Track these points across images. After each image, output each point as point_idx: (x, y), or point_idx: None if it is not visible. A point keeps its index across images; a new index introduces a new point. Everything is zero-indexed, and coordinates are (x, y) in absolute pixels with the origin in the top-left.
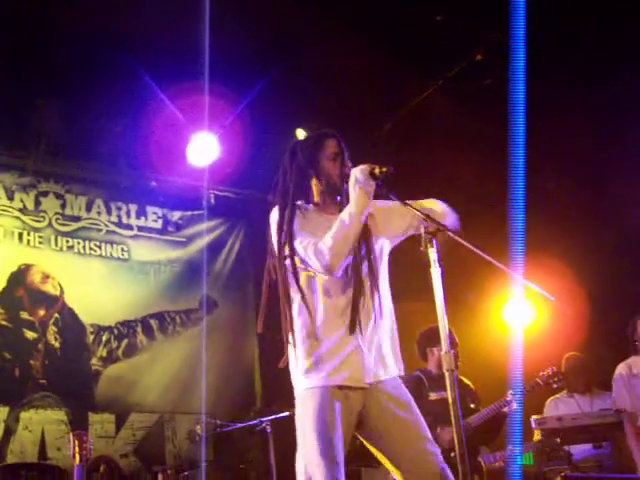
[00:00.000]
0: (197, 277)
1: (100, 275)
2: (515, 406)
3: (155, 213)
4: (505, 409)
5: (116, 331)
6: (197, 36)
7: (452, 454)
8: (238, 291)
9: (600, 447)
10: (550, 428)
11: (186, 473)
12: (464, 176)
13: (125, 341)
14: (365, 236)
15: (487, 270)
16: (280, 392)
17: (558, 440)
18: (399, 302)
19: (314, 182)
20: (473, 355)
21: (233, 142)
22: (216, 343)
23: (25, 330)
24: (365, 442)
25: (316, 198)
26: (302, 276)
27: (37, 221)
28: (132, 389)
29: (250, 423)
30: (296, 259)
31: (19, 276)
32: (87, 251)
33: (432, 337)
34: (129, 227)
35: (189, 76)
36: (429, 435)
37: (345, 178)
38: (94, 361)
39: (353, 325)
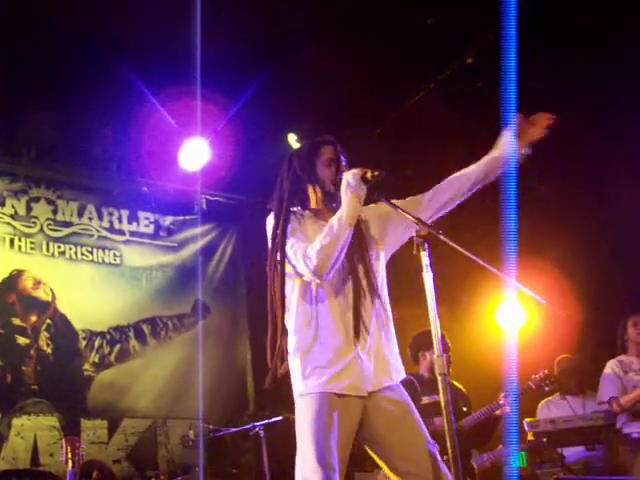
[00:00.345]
0: (189, 282)
1: (92, 280)
2: (508, 409)
3: (147, 218)
4: (498, 412)
5: (108, 336)
6: (189, 41)
7: (445, 457)
8: (230, 296)
9: (593, 449)
10: (543, 431)
11: (180, 478)
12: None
13: (117, 346)
14: (361, 242)
15: (480, 272)
16: (273, 396)
17: (545, 440)
18: (392, 306)
19: (310, 189)
20: (466, 358)
21: (225, 147)
22: (208, 348)
23: (17, 336)
24: (366, 446)
25: (312, 204)
26: (297, 282)
27: (28, 227)
28: (125, 394)
29: (243, 428)
30: (287, 265)
31: (11, 282)
32: (79, 257)
33: (424, 341)
34: (121, 232)
35: (180, 81)
36: (428, 437)
37: (339, 184)
38: (86, 367)
39: (356, 333)
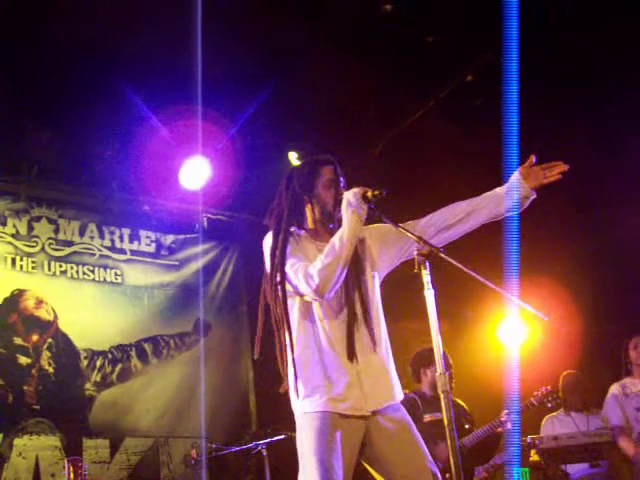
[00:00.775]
0: (190, 300)
1: (94, 300)
2: (510, 426)
3: (148, 237)
4: (500, 429)
5: (110, 356)
6: (189, 59)
7: (447, 475)
8: (231, 314)
9: (597, 466)
10: (546, 448)
11: None
12: (458, 194)
13: (119, 366)
14: (356, 263)
15: (482, 289)
16: (275, 415)
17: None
18: (394, 321)
19: (309, 208)
20: (468, 374)
21: (225, 165)
22: (210, 366)
23: (19, 356)
24: (367, 465)
25: (310, 225)
26: (297, 302)
27: (30, 246)
28: (126, 414)
29: (245, 446)
30: (287, 285)
31: (12, 301)
32: (80, 276)
33: (426, 358)
34: (122, 251)
35: (181, 100)
36: (429, 456)
37: (338, 204)
38: (88, 386)
39: (350, 353)
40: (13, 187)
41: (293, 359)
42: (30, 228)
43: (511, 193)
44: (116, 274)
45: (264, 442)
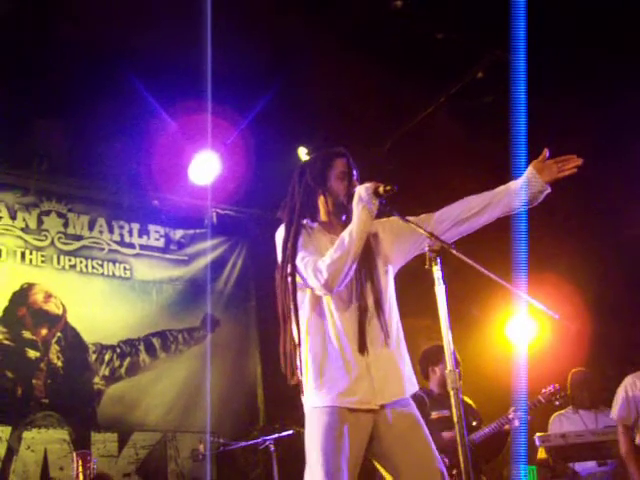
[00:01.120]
0: (199, 295)
1: (102, 294)
2: (517, 423)
3: (157, 232)
4: (507, 426)
5: (119, 350)
6: (199, 55)
7: (454, 471)
8: (240, 309)
9: (604, 464)
10: (554, 445)
11: None
12: (466, 193)
13: (127, 360)
14: (369, 256)
15: (491, 286)
16: (283, 410)
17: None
18: (404, 319)
19: (321, 200)
20: (476, 371)
21: (235, 160)
22: (218, 361)
23: (27, 349)
24: (374, 461)
25: (322, 217)
26: (308, 294)
27: (39, 240)
28: (135, 408)
29: (253, 442)
30: (298, 277)
31: (22, 295)
32: (89, 270)
33: (434, 356)
34: (131, 246)
35: (191, 95)
36: (436, 453)
37: (351, 197)
38: (96, 380)
39: (361, 346)
40: (23, 181)
41: (300, 352)
42: (40, 222)
43: (526, 187)
44: (125, 268)
45: (272, 437)
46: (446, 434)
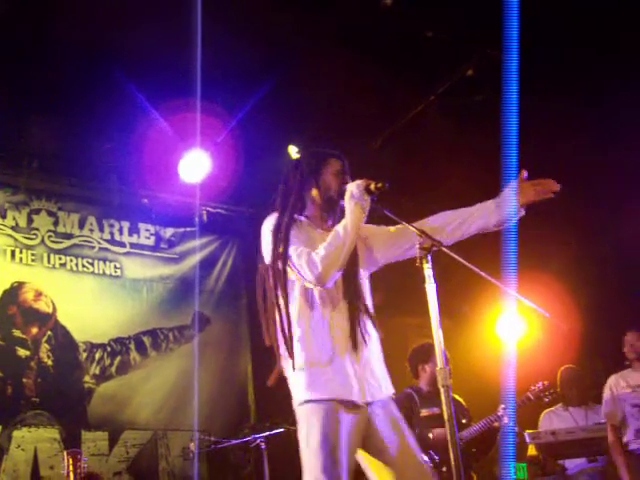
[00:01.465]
0: (190, 294)
1: (93, 292)
2: (506, 420)
3: (147, 230)
4: (497, 424)
5: (109, 348)
6: (189, 53)
7: (444, 469)
8: (230, 307)
9: (595, 461)
10: (544, 442)
11: None
12: (457, 190)
13: (118, 358)
14: (355, 255)
15: (481, 284)
16: (274, 408)
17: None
18: (394, 317)
19: (314, 192)
20: (466, 369)
21: (225, 159)
22: (209, 359)
23: (18, 348)
24: (369, 455)
25: (311, 211)
26: (297, 286)
27: (30, 239)
28: (125, 406)
29: (244, 440)
30: (289, 268)
31: (12, 294)
32: (80, 268)
33: (424, 354)
34: (121, 244)
35: (181, 93)
36: (420, 453)
37: (342, 194)
38: (87, 379)
39: (352, 343)
40: (13, 180)
41: (292, 345)
42: (30, 220)
43: (501, 208)
44: (115, 267)
45: (263, 435)
46: (436, 431)
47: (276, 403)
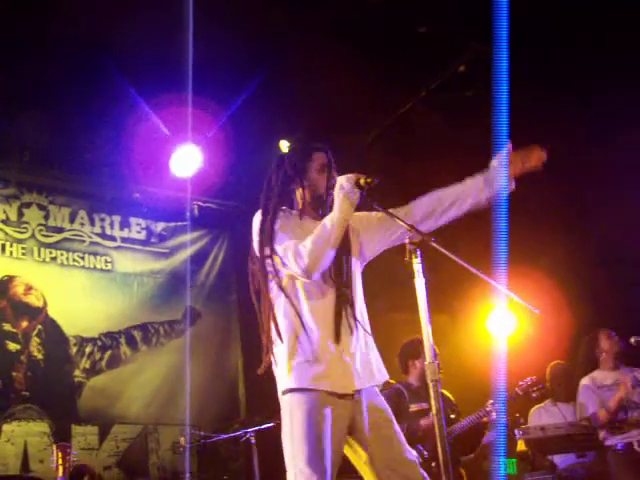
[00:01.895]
0: (180, 288)
1: (83, 286)
2: (495, 416)
3: (138, 224)
4: (485, 419)
5: (99, 342)
6: (180, 48)
7: (433, 464)
8: (221, 302)
9: (583, 456)
10: (534, 438)
11: None
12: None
13: (108, 352)
14: (345, 246)
15: (471, 280)
16: (264, 403)
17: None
18: (384, 313)
19: (299, 191)
20: (455, 364)
21: (216, 153)
22: (200, 354)
23: (8, 342)
24: (356, 447)
25: (299, 207)
26: (285, 277)
27: (20, 232)
28: (115, 401)
29: (234, 434)
30: (276, 259)
31: (2, 287)
32: (70, 262)
33: (414, 349)
34: (112, 238)
35: (172, 88)
36: (406, 444)
37: (331, 189)
38: (77, 373)
39: (336, 333)
40: (4, 173)
41: (279, 335)
42: (20, 214)
43: (492, 181)
44: (106, 261)
45: (253, 430)
46: (424, 421)
47: (266, 398)
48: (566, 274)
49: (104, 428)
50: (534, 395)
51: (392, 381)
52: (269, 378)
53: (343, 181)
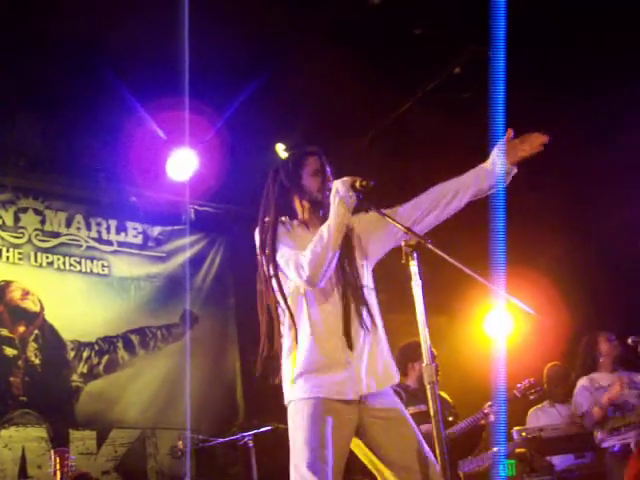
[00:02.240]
0: (177, 292)
1: (80, 291)
2: (493, 418)
3: (135, 229)
4: (483, 421)
5: (97, 347)
6: (176, 51)
7: None
8: (218, 306)
9: (582, 457)
10: (532, 439)
11: None
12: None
13: (106, 357)
14: (349, 251)
15: (469, 281)
16: (262, 406)
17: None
18: (382, 314)
19: (297, 200)
20: (453, 366)
21: (213, 157)
22: (197, 358)
23: (5, 347)
24: (369, 451)
25: (301, 215)
26: (290, 289)
27: (16, 237)
28: (113, 405)
29: (232, 438)
30: (280, 273)
31: None
32: (67, 267)
33: (413, 352)
34: (109, 243)
35: (168, 91)
36: (424, 442)
37: (327, 192)
38: (75, 377)
39: (345, 338)
40: (0, 178)
41: (289, 345)
42: (17, 219)
43: (492, 170)
44: (103, 265)
45: (250, 434)
46: (423, 427)
47: (264, 402)
48: (564, 274)
49: (102, 433)
50: (532, 397)
51: None
52: (267, 382)
53: (338, 185)
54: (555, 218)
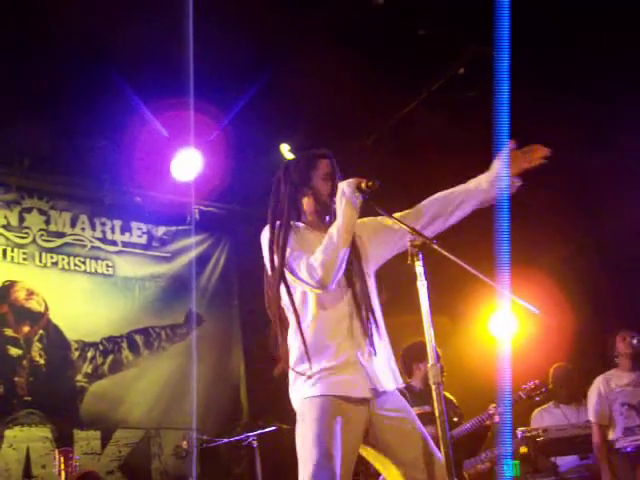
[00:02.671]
0: (182, 292)
1: (85, 291)
2: (497, 419)
3: (140, 229)
4: (488, 422)
5: (101, 347)
6: (181, 52)
7: None
8: (223, 306)
9: (586, 458)
10: (536, 440)
11: None
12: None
13: (110, 357)
14: (354, 252)
15: (474, 282)
16: (266, 407)
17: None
18: (387, 316)
19: (306, 200)
20: (458, 367)
21: (217, 157)
22: (202, 358)
23: (9, 347)
24: (376, 452)
25: (308, 216)
26: (297, 291)
27: (21, 237)
28: (118, 405)
29: (236, 438)
30: (289, 276)
31: (3, 293)
32: (72, 267)
33: (419, 352)
34: (114, 243)
35: (173, 92)
36: (432, 443)
37: (334, 196)
38: (79, 377)
39: (352, 339)
40: (5, 178)
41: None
42: (21, 219)
43: (496, 181)
44: (107, 266)
45: (255, 434)
46: (428, 429)
47: (269, 402)
48: (568, 274)
49: (106, 433)
50: (537, 399)
51: None
52: (271, 382)
53: (344, 186)
54: (558, 218)
